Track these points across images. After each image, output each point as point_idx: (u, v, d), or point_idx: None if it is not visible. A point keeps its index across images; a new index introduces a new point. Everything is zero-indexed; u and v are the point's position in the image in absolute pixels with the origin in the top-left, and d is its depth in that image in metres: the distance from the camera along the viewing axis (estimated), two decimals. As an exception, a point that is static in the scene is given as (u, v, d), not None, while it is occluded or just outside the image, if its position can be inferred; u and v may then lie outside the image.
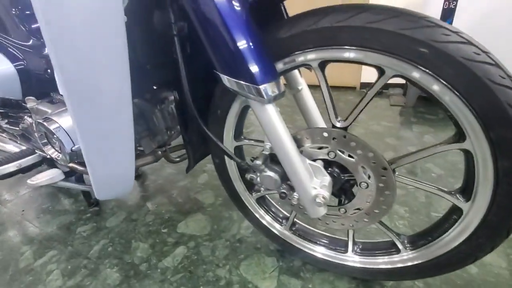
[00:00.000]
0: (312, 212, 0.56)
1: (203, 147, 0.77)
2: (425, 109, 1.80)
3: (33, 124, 0.85)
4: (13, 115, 1.03)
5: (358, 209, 0.58)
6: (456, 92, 0.40)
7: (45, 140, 0.77)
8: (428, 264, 0.57)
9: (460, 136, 0.46)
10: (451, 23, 1.56)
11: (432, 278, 0.71)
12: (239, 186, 0.75)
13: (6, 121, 1.05)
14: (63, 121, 0.72)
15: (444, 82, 0.41)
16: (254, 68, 0.45)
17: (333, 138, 0.53)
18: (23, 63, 0.80)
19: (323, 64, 0.50)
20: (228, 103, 0.61)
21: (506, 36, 1.47)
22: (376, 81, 0.48)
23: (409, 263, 0.59)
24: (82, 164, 0.84)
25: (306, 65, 0.52)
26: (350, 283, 0.72)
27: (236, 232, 0.92)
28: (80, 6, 0.43)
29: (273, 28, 0.51)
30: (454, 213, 0.53)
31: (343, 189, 0.60)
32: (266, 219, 0.77)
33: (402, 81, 0.48)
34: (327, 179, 0.54)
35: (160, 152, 0.84)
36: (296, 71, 0.67)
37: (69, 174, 0.91)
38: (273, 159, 0.59)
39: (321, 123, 0.66)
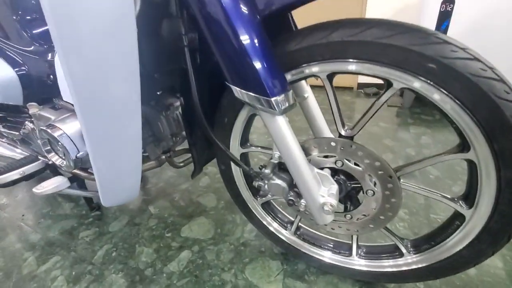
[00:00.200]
0: (319, 219, 0.57)
1: (207, 152, 0.77)
2: (421, 110, 1.83)
3: (36, 130, 0.84)
4: (12, 119, 1.02)
5: (364, 215, 0.59)
6: (462, 106, 0.42)
7: (49, 147, 0.77)
8: (431, 267, 0.59)
9: (464, 146, 0.48)
10: (447, 25, 1.58)
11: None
12: (245, 192, 0.75)
13: (4, 125, 1.04)
14: (67, 128, 0.72)
15: (451, 96, 0.42)
16: (266, 81, 0.45)
17: (341, 148, 0.54)
18: (24, 68, 0.79)
19: (331, 76, 0.51)
20: (236, 111, 0.62)
21: (502, 38, 1.50)
22: (384, 92, 0.49)
23: (414, 266, 0.60)
24: (86, 170, 0.83)
25: (314, 76, 0.52)
26: (353, 285, 0.73)
27: (240, 235, 0.93)
28: (92, 14, 0.43)
29: (282, 40, 0.51)
30: (457, 219, 0.55)
31: (349, 196, 0.61)
32: (273, 225, 0.78)
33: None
34: (335, 187, 0.55)
35: (164, 157, 0.84)
36: (303, 80, 0.68)
37: (72, 180, 0.91)
38: (280, 167, 0.60)
39: (326, 130, 0.67)
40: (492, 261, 0.78)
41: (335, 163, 0.55)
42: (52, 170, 0.84)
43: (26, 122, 0.90)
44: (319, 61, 0.49)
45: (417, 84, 0.44)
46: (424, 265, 0.60)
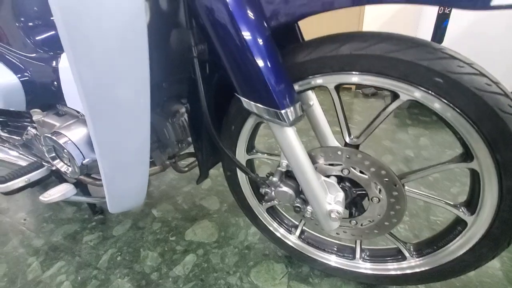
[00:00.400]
0: (326, 225, 0.58)
1: (212, 157, 0.78)
2: (419, 110, 1.86)
3: (39, 136, 0.84)
4: (13, 124, 1.01)
5: (369, 221, 0.60)
6: (468, 119, 0.43)
7: (54, 154, 0.77)
8: (433, 270, 0.61)
9: (467, 156, 0.49)
10: (446, 26, 1.60)
11: (433, 281, 0.75)
12: (250, 198, 0.76)
13: (5, 130, 1.03)
14: (73, 135, 0.72)
15: (457, 109, 0.43)
16: (276, 93, 0.46)
17: (347, 157, 0.55)
18: (27, 75, 0.79)
19: (338, 86, 0.52)
20: (243, 120, 0.62)
21: (499, 40, 1.52)
22: (390, 103, 0.50)
23: (417, 270, 0.62)
24: (90, 176, 0.84)
25: (321, 87, 0.53)
26: (357, 287, 0.75)
27: (243, 238, 0.94)
28: (103, 23, 0.44)
29: (290, 51, 0.52)
30: (459, 225, 0.57)
31: (354, 202, 0.63)
32: (280, 231, 0.79)
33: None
34: (341, 194, 0.56)
35: (168, 162, 0.85)
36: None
37: (75, 186, 0.91)
38: (287, 174, 0.61)
39: (331, 137, 0.68)
40: (490, 262, 0.80)
41: (342, 171, 0.57)
42: (57, 176, 0.84)
43: (29, 127, 0.89)
44: (327, 73, 0.49)
45: (423, 96, 0.45)
46: (426, 268, 0.61)
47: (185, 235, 0.97)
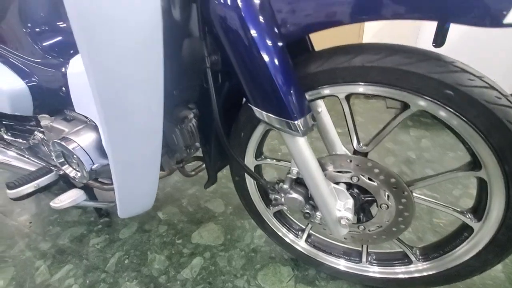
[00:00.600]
0: (335, 231, 0.59)
1: (219, 161, 0.79)
2: (420, 111, 1.87)
3: (47, 142, 0.84)
4: (19, 128, 1.01)
5: (378, 226, 0.62)
6: (477, 130, 0.44)
7: (62, 159, 0.77)
8: (439, 274, 0.63)
9: (475, 165, 0.50)
10: (448, 28, 1.61)
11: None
12: (258, 203, 0.77)
13: (11, 133, 1.03)
14: (81, 140, 0.72)
15: (467, 121, 0.44)
16: (289, 104, 0.47)
17: (357, 165, 0.56)
18: (35, 80, 0.79)
19: (349, 96, 0.53)
20: (252, 127, 0.63)
21: (500, 41, 1.53)
22: (400, 113, 0.51)
23: (424, 273, 0.64)
24: (97, 180, 0.84)
25: (332, 96, 0.54)
26: (363, 290, 0.77)
27: (249, 241, 0.95)
28: (120, 29, 0.44)
29: (302, 61, 0.53)
30: (465, 231, 0.58)
31: (362, 208, 0.64)
32: (289, 236, 0.80)
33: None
34: (351, 201, 0.58)
35: (176, 167, 0.85)
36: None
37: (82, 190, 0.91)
38: (296, 181, 0.62)
39: (339, 144, 0.69)
40: (492, 264, 0.82)
41: (351, 178, 0.58)
42: (64, 181, 0.85)
43: (36, 132, 0.90)
44: (339, 84, 0.50)
45: (433, 108, 0.46)
46: (433, 272, 0.63)
47: (192, 238, 0.98)
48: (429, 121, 1.71)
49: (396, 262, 0.70)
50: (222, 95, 0.64)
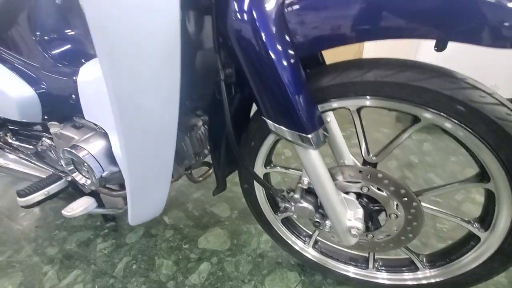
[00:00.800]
0: (345, 240, 0.60)
1: (227, 167, 0.79)
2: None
3: (56, 148, 0.85)
4: (26, 133, 1.01)
5: (386, 235, 0.63)
6: (487, 144, 0.45)
7: (72, 167, 0.78)
8: (446, 282, 0.64)
9: (483, 177, 0.52)
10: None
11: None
12: (267, 211, 0.78)
13: (17, 139, 1.03)
14: (91, 148, 0.73)
15: (477, 136, 0.45)
16: (303, 118, 0.48)
17: (367, 175, 0.57)
18: (44, 87, 0.79)
19: (360, 108, 0.54)
20: (263, 137, 0.64)
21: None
22: (410, 126, 0.52)
23: (432, 280, 0.65)
24: (105, 187, 0.85)
25: (343, 108, 0.55)
26: (369, 295, 0.78)
27: (256, 246, 0.96)
28: (139, 40, 0.45)
29: (314, 75, 0.53)
30: (472, 240, 0.60)
31: (370, 216, 0.65)
32: (298, 244, 0.82)
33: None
34: (360, 211, 0.59)
35: (183, 173, 0.86)
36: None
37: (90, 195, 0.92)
38: (306, 190, 0.63)
39: (347, 154, 0.70)
40: (495, 270, 0.84)
41: (361, 188, 0.59)
42: (73, 187, 0.85)
43: (44, 138, 0.90)
44: (351, 97, 0.51)
45: (445, 123, 0.47)
46: (440, 279, 0.64)
47: (198, 242, 0.99)
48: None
49: (403, 268, 0.71)
50: (233, 104, 0.65)
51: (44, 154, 0.97)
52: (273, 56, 0.46)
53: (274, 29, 0.45)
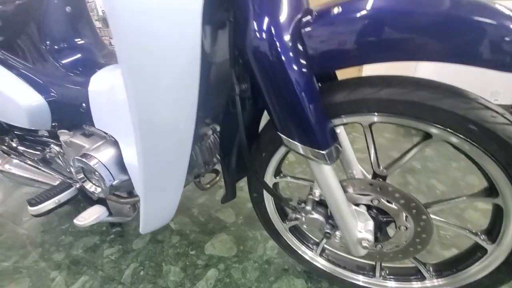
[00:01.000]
0: (355, 251, 0.61)
1: (236, 175, 0.80)
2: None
3: (66, 156, 0.85)
4: (32, 138, 1.01)
5: (395, 246, 0.64)
6: (497, 162, 0.47)
7: (82, 175, 0.78)
8: (451, 291, 0.65)
9: (492, 191, 0.53)
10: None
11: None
12: (275, 218, 0.79)
13: (23, 144, 1.04)
14: (102, 156, 0.74)
15: (487, 153, 0.47)
16: (319, 135, 0.49)
17: (378, 189, 0.58)
18: (54, 95, 0.80)
19: (372, 123, 0.55)
20: (274, 149, 0.65)
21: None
22: (422, 141, 0.53)
23: (439, 290, 0.66)
24: (115, 194, 0.85)
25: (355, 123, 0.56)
26: (375, 303, 0.79)
27: (262, 253, 0.97)
28: (162, 52, 0.46)
29: (326, 91, 0.54)
30: (479, 251, 0.61)
31: (379, 227, 0.66)
32: (308, 254, 0.83)
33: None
34: (371, 223, 0.60)
35: (192, 181, 0.87)
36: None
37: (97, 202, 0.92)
38: (317, 202, 0.64)
39: (356, 166, 0.71)
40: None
41: (372, 201, 0.60)
42: (82, 194, 0.86)
43: (52, 145, 0.90)
44: (363, 114, 0.52)
45: (456, 140, 0.48)
46: (446, 289, 0.66)
47: (205, 249, 1.00)
48: (432, 130, 1.74)
49: (409, 277, 0.72)
50: (245, 116, 0.66)
51: (51, 160, 0.97)
52: (290, 73, 0.47)
53: (291, 48, 0.46)
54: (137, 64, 0.45)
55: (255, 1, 0.46)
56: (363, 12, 0.43)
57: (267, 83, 0.49)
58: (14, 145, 1.04)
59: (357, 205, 0.62)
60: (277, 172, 0.73)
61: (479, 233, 0.60)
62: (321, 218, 0.62)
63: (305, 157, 0.52)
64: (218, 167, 0.91)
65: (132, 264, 0.95)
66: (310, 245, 0.83)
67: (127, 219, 0.85)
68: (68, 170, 0.92)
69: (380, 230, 0.67)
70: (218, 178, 0.98)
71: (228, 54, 0.51)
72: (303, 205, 0.63)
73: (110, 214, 0.93)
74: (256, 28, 0.46)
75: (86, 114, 0.76)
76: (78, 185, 0.87)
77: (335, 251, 0.83)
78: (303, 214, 0.64)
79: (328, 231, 0.63)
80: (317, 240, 0.84)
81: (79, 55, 0.80)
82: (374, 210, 0.63)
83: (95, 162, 0.72)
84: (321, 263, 0.81)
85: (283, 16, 0.46)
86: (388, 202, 0.60)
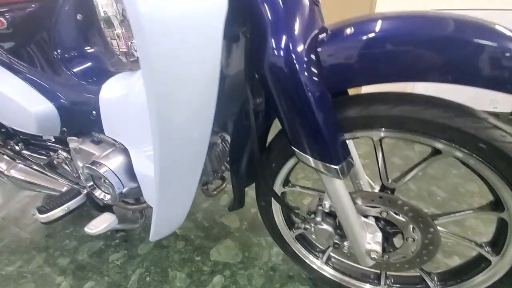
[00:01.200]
0: (363, 262, 0.63)
1: (245, 182, 0.81)
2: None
3: (74, 163, 0.85)
4: (37, 143, 1.01)
5: (402, 257, 0.65)
6: (505, 180, 0.48)
7: (91, 182, 0.78)
8: (455, 301, 0.67)
9: (497, 206, 0.55)
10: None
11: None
12: (282, 227, 0.80)
13: (28, 148, 1.03)
14: (112, 164, 0.74)
15: (496, 171, 0.48)
16: (333, 150, 0.50)
17: (387, 201, 0.59)
18: (64, 102, 0.80)
19: (382, 138, 0.56)
20: (285, 160, 0.66)
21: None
22: (431, 156, 0.55)
23: (444, 299, 0.68)
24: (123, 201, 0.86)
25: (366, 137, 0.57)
26: (379, 310, 0.81)
27: (267, 259, 0.98)
28: (184, 65, 0.46)
29: (338, 105, 0.55)
30: (482, 262, 0.63)
31: (386, 238, 0.67)
32: (316, 263, 0.84)
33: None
34: (379, 235, 0.61)
35: (201, 189, 0.88)
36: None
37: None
38: (326, 213, 0.66)
39: (364, 178, 0.72)
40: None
41: (381, 213, 0.61)
42: (90, 201, 0.86)
43: (59, 151, 0.90)
44: (375, 129, 0.53)
45: (465, 157, 0.50)
46: (450, 298, 0.67)
47: (210, 254, 1.01)
48: (432, 136, 1.77)
49: (414, 286, 0.74)
50: (257, 127, 0.67)
51: (57, 165, 0.97)
52: (305, 90, 0.48)
53: (307, 65, 0.47)
54: (160, 78, 0.45)
55: (273, 18, 0.47)
56: (379, 33, 0.44)
57: (283, 99, 0.50)
58: (18, 149, 1.04)
59: (366, 216, 0.63)
60: (286, 182, 0.74)
61: (483, 245, 0.61)
62: (330, 228, 0.64)
63: (317, 171, 0.54)
64: (225, 174, 0.92)
65: (138, 270, 0.96)
66: (316, 253, 0.85)
67: (135, 226, 0.85)
68: (75, 176, 0.92)
69: (387, 241, 0.68)
70: (224, 185, 0.99)
71: (240, 65, 0.52)
72: (312, 216, 0.64)
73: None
74: (274, 45, 0.47)
75: (96, 121, 0.76)
76: (85, 191, 0.88)
77: (341, 259, 0.84)
78: (312, 225, 0.65)
79: (337, 241, 0.65)
80: (323, 248, 0.85)
81: (89, 63, 0.80)
82: (382, 222, 0.65)
83: (105, 169, 0.73)
84: (327, 271, 0.83)
85: (299, 34, 0.47)
86: (396, 214, 0.61)
